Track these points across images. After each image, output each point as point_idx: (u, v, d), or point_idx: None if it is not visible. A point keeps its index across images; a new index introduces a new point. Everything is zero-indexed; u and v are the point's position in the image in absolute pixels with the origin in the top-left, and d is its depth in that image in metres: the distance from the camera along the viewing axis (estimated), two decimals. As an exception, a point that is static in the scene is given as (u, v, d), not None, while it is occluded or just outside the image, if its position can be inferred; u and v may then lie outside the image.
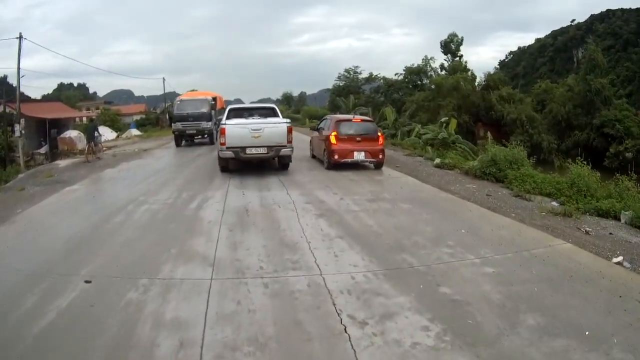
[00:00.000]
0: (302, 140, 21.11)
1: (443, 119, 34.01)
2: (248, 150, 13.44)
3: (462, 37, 69.78)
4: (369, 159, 15.04)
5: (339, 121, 15.57)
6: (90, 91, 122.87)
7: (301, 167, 15.88)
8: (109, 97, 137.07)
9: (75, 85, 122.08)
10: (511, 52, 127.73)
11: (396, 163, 16.94)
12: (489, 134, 34.01)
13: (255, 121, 14.00)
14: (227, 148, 13.38)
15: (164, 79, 66.11)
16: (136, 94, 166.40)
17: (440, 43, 70.13)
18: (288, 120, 14.50)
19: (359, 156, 14.81)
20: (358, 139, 14.91)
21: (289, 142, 13.88)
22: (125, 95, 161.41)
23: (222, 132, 13.38)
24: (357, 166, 15.21)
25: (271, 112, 15.72)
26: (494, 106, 47.95)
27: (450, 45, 69.62)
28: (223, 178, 13.79)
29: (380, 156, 15.13)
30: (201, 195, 11.36)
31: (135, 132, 48.22)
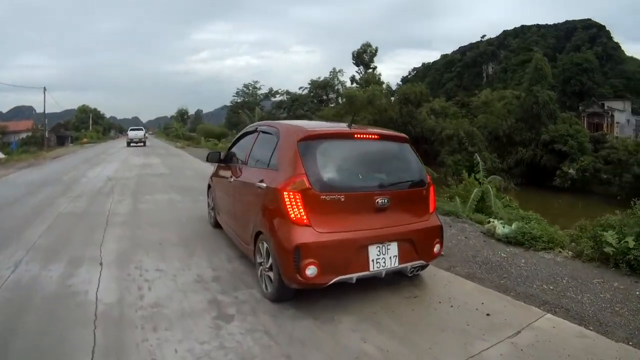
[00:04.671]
0: (193, 173, 17.36)
1: None
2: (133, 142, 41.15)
3: (376, 48, 68.79)
4: (409, 262, 4.57)
5: (311, 138, 4.53)
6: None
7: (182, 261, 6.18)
8: (12, 113, 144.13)
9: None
10: (414, 69, 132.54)
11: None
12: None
13: (136, 132, 43.53)
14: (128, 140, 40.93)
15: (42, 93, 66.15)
16: (38, 110, 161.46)
17: (353, 54, 68.94)
18: (147, 131, 46.68)
19: (384, 257, 4.37)
20: (379, 200, 4.40)
21: (146, 138, 45.33)
22: (28, 112, 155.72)
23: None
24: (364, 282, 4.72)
25: (142, 129, 46.28)
26: (424, 121, 46.38)
27: (364, 56, 68.30)
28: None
29: (436, 247, 4.79)
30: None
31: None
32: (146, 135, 47.97)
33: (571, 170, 37.61)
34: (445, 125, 43.70)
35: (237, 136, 7.32)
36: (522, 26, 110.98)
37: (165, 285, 5.03)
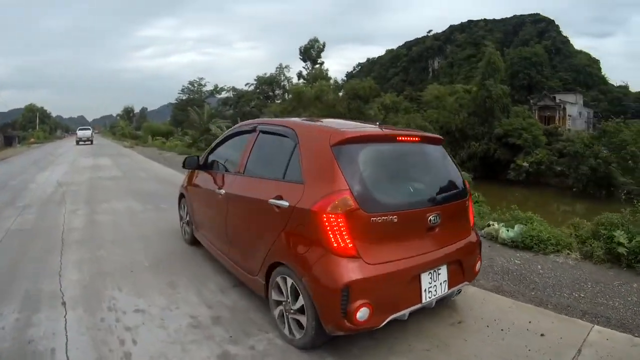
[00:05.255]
0: (148, 175, 16.36)
1: None
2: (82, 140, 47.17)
3: (323, 43, 69.76)
4: (456, 285, 4.02)
5: (350, 142, 3.65)
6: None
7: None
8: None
9: None
10: (359, 64, 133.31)
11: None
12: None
13: (84, 132, 50.25)
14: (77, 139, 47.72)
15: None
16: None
17: (300, 49, 69.75)
18: (93, 130, 57.79)
19: (435, 284, 3.74)
20: (431, 218, 3.72)
21: (92, 137, 50.63)
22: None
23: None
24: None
25: (90, 129, 53.96)
26: (374, 117, 45.65)
27: (311, 52, 69.32)
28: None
29: (478, 265, 4.33)
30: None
31: None
32: (93, 134, 53.26)
33: (525, 164, 38.47)
34: (397, 120, 43.55)
35: (221, 137, 6.09)
36: (469, 21, 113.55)
37: (153, 334, 3.90)
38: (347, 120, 4.89)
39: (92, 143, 47.91)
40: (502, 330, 3.93)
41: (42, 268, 5.69)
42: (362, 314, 3.22)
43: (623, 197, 25.84)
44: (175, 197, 8.87)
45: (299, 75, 69.12)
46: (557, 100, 58.25)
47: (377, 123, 4.46)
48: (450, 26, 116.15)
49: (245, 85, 71.87)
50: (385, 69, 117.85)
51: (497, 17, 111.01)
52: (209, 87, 73.83)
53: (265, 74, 71.47)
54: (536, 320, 4.11)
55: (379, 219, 3.40)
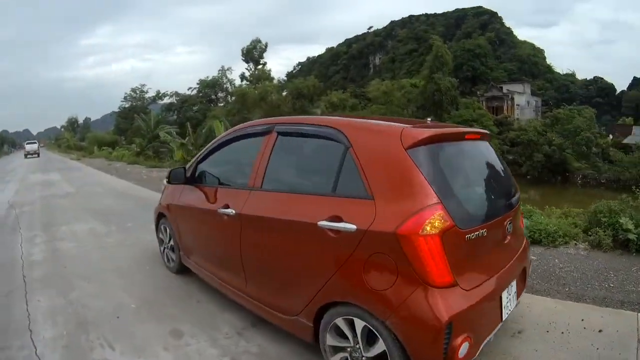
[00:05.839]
0: (104, 190, 15.08)
1: None
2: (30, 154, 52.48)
3: (266, 43, 70.44)
4: (520, 295, 3.80)
5: (427, 143, 2.98)
6: None
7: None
8: None
9: None
10: (299, 63, 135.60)
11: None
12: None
13: (31, 145, 56.19)
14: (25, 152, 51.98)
15: None
16: None
17: (242, 50, 69.56)
18: (39, 144, 66.33)
19: (509, 298, 3.38)
20: (508, 226, 3.42)
21: (39, 150, 58.90)
22: None
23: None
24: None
25: (36, 142, 62.36)
26: (322, 114, 46.21)
27: (253, 53, 69.17)
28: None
29: (529, 269, 4.23)
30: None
31: None
32: (39, 147, 61.86)
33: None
34: None
35: (215, 142, 5.01)
36: (411, 16, 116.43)
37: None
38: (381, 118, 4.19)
39: (38, 156, 53.28)
40: (562, 333, 3.88)
41: (5, 322, 4.45)
42: (464, 349, 2.74)
43: (579, 181, 27.10)
44: (140, 214, 8.38)
45: (242, 76, 69.54)
46: (505, 91, 60.36)
47: (430, 119, 3.95)
48: (391, 22, 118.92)
49: (188, 89, 72.52)
50: (325, 67, 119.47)
51: (439, 12, 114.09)
52: (152, 94, 73.61)
53: (207, 77, 72.28)
54: (586, 317, 4.11)
55: (473, 235, 2.92)
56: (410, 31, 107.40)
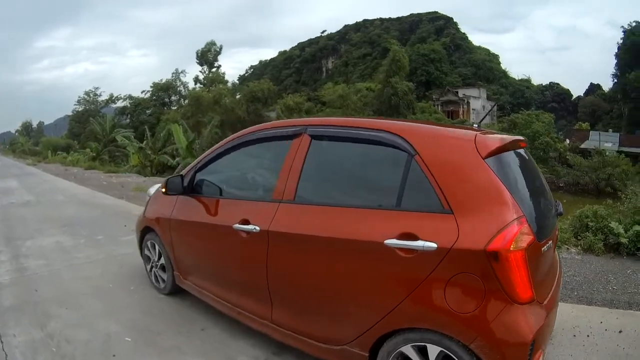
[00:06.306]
0: (65, 197, 13.94)
1: None
2: None
3: (220, 46, 71.01)
4: None
5: (501, 151, 2.86)
6: None
7: None
8: None
9: None
10: (252, 67, 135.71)
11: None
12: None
13: None
14: None
15: None
16: None
17: (197, 53, 70.13)
18: None
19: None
20: (557, 233, 3.85)
21: None
22: None
23: None
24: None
25: None
26: (278, 118, 46.67)
27: (208, 55, 69.97)
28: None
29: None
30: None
31: None
32: None
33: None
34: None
35: (220, 146, 4.35)
36: (365, 20, 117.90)
37: None
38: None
39: None
40: (588, 336, 4.01)
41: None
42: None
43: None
44: (107, 223, 8.22)
45: (196, 79, 69.85)
46: (461, 95, 61.88)
47: (474, 124, 3.78)
48: (345, 26, 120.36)
49: (142, 92, 72.21)
50: (278, 70, 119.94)
51: (394, 16, 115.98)
52: (105, 97, 73.84)
53: (161, 80, 72.36)
54: (603, 319, 4.31)
55: (545, 247, 2.91)
56: (364, 35, 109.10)
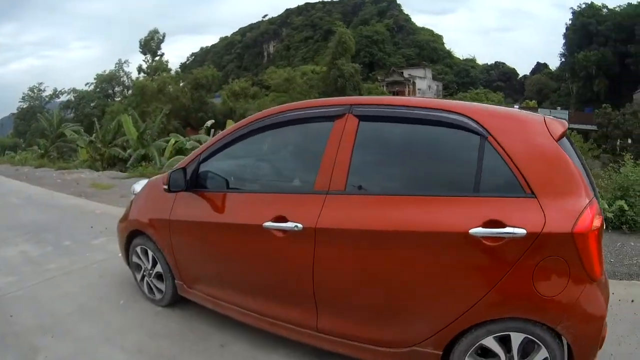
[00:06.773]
0: (21, 199, 11.80)
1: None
2: None
3: (164, 34, 70.68)
4: None
5: (564, 136, 2.80)
6: None
7: None
8: None
9: None
10: (193, 54, 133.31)
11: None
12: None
13: None
14: None
15: None
16: None
17: (140, 42, 68.81)
18: None
19: None
20: None
21: None
22: None
23: None
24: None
25: None
26: (223, 104, 48.41)
27: (151, 44, 68.60)
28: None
29: None
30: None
31: None
32: None
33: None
34: (248, 106, 44.76)
35: (231, 132, 3.70)
36: (307, 3, 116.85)
37: None
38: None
39: None
40: (632, 301, 4.45)
41: None
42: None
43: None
44: (72, 226, 7.52)
45: (139, 69, 68.05)
46: (407, 75, 62.60)
47: (515, 105, 3.44)
48: (287, 9, 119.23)
49: (85, 85, 70.50)
50: (219, 56, 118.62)
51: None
52: (49, 92, 71.87)
53: (104, 71, 70.99)
54: (614, 290, 4.30)
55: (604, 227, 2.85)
56: (306, 18, 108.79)
